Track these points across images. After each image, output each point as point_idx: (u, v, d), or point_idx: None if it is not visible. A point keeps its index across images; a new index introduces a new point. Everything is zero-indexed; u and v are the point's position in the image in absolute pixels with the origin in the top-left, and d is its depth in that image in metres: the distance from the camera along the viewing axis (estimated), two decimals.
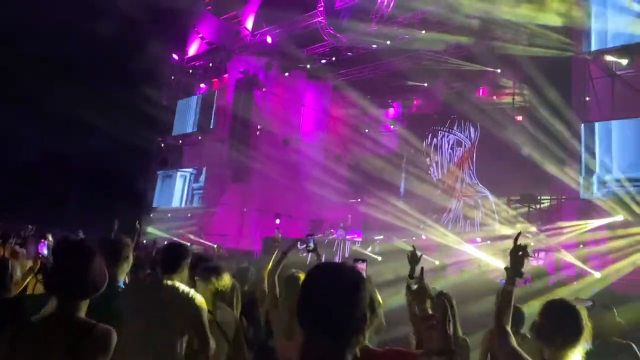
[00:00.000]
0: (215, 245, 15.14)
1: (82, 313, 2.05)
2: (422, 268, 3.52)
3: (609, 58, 10.92)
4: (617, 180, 10.16)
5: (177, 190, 20.07)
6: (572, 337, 2.27)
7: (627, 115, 10.72)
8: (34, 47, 18.68)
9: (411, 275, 4.22)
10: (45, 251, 4.07)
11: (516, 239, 2.53)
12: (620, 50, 10.76)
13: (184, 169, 20.35)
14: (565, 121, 11.38)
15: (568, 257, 10.36)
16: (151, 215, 19.78)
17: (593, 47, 10.93)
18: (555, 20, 11.07)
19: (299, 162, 18.81)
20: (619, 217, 10.46)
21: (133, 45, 18.40)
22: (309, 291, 1.49)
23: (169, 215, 19.33)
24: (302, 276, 3.78)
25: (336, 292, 1.45)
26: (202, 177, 18.96)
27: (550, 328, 2.32)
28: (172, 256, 3.25)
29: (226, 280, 3.42)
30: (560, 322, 2.32)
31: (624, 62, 11.01)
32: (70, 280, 2.01)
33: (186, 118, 20.07)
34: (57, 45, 18.49)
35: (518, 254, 2.50)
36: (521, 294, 9.36)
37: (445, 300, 2.78)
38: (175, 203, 19.84)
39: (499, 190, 14.14)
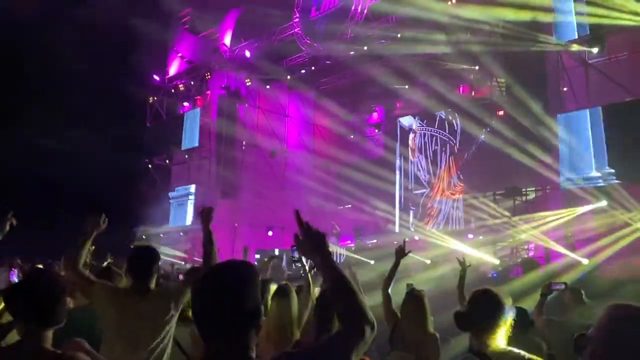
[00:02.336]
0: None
1: (49, 343, 2.02)
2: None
3: (578, 48, 11.13)
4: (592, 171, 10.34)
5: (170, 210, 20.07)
6: (494, 320, 2.32)
7: (603, 102, 10.93)
8: (16, 70, 18.70)
9: (395, 267, 4.30)
10: (15, 279, 4.10)
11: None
12: (589, 40, 10.98)
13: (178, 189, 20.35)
14: (543, 113, 11.56)
15: (556, 247, 10.50)
16: (143, 237, 19.73)
17: (563, 39, 11.16)
18: (525, 16, 11.27)
19: (287, 173, 18.91)
20: (602, 203, 10.63)
21: (113, 69, 18.51)
22: (194, 299, 1.52)
23: (161, 235, 19.30)
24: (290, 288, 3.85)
25: (215, 294, 1.47)
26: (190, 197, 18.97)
27: (473, 315, 2.40)
28: (143, 260, 3.26)
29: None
30: (478, 310, 2.40)
31: (595, 50, 11.23)
32: (41, 308, 2.00)
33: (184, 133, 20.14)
34: (37, 70, 18.61)
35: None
36: (515, 287, 9.49)
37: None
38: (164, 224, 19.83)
39: (485, 186, 14.28)
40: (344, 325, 1.53)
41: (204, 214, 3.44)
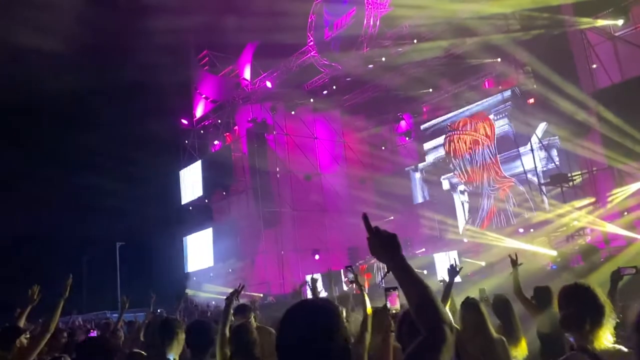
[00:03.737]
0: (260, 294, 15.21)
1: None
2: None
3: (603, 22, 10.80)
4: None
5: (206, 250, 20.29)
6: (597, 317, 2.22)
7: (636, 73, 10.52)
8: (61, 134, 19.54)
9: (449, 286, 4.21)
10: None
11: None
12: (612, 13, 10.65)
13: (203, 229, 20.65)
14: (577, 93, 11.20)
15: (613, 229, 10.06)
16: (194, 279, 20.01)
17: (585, 16, 10.85)
18: (540, 2, 11.05)
19: (324, 195, 18.90)
20: None
21: (144, 121, 19.15)
22: (281, 334, 1.48)
23: (211, 275, 19.50)
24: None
25: (305, 332, 1.44)
26: (233, 232, 19.09)
27: (574, 315, 2.28)
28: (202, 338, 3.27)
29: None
30: (581, 307, 2.27)
31: (620, 22, 10.88)
32: None
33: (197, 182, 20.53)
34: (68, 132, 19.41)
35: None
36: (575, 274, 9.12)
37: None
38: (209, 263, 20.04)
39: (527, 177, 13.91)
40: (425, 329, 1.49)
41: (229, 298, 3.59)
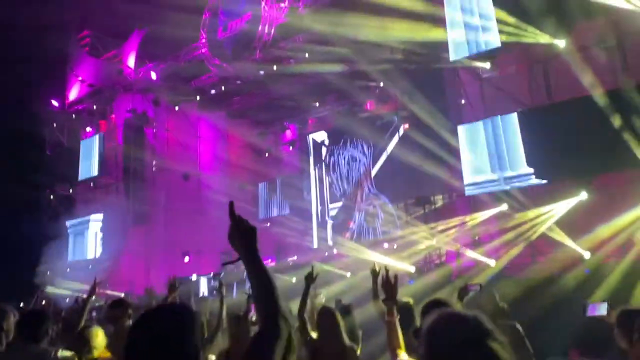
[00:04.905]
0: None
1: None
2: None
3: (472, 64, 11.97)
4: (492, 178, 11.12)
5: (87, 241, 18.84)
6: None
7: (497, 113, 11.81)
8: None
9: (305, 293, 4.38)
10: None
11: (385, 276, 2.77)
12: (481, 57, 11.85)
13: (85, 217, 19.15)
14: (444, 125, 12.26)
15: (464, 250, 11.12)
16: (47, 274, 18.38)
17: (458, 56, 11.94)
18: (421, 36, 11.93)
19: (201, 196, 18.47)
20: (504, 206, 11.43)
21: (7, 96, 17.22)
22: (130, 344, 1.49)
23: (67, 270, 18.08)
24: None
25: (155, 340, 1.46)
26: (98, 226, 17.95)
27: None
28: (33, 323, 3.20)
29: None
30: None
31: (487, 65, 12.14)
32: None
33: (81, 163, 18.98)
34: None
35: (391, 284, 2.74)
36: (424, 287, 9.89)
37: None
38: (88, 255, 18.60)
39: (397, 197, 14.84)
40: (262, 318, 1.56)
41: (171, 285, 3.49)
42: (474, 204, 12.11)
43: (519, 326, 4.61)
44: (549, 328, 6.43)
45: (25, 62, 17.28)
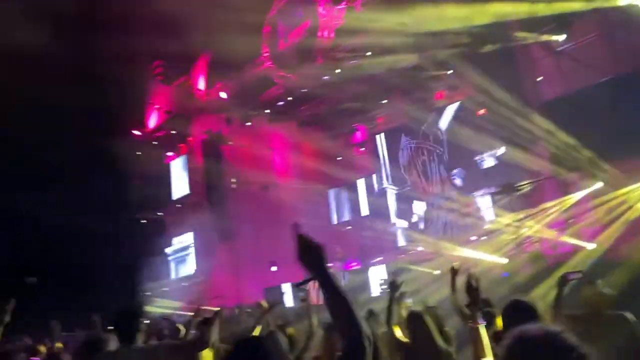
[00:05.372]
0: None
1: None
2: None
3: (546, 38, 11.28)
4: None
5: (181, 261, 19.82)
6: None
7: (577, 86, 11.03)
8: None
9: (390, 304, 4.27)
10: None
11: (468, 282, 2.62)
12: (554, 28, 11.14)
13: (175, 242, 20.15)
14: (522, 105, 11.62)
15: (560, 236, 10.45)
16: (148, 294, 19.47)
17: (530, 31, 11.30)
18: (489, 16, 11.39)
19: (281, 206, 18.80)
20: (599, 184, 10.62)
21: (92, 133, 18.51)
22: None
23: (166, 289, 19.04)
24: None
25: None
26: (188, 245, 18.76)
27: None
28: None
29: None
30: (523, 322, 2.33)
31: (562, 38, 11.39)
32: None
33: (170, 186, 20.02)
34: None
35: (473, 290, 2.59)
36: (524, 280, 9.38)
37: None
38: (181, 274, 19.58)
39: (480, 186, 14.27)
40: (347, 343, 1.53)
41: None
42: (564, 185, 11.36)
43: (630, 315, 4.17)
44: None
45: (107, 96, 18.49)
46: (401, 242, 16.76)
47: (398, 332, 4.09)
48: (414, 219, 17.05)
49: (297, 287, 4.01)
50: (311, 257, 1.70)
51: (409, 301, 5.54)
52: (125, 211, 20.95)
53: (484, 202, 13.61)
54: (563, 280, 3.95)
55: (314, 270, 1.66)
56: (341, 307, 1.57)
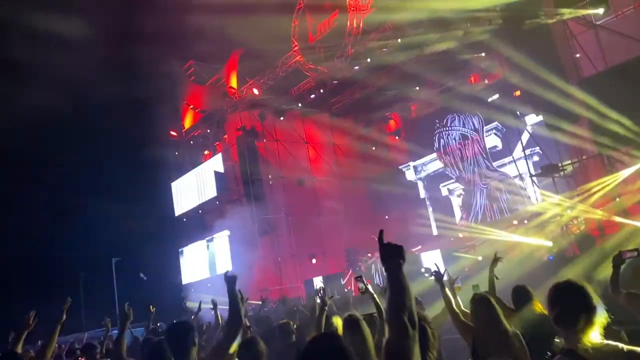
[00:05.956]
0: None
1: None
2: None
3: (584, 12, 10.90)
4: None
5: (203, 261, 20.17)
6: (590, 315, 2.24)
7: (619, 60, 10.63)
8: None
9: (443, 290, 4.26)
10: None
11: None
12: (592, 1, 10.76)
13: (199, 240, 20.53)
14: (562, 83, 11.26)
15: (607, 216, 10.12)
16: (192, 290, 19.90)
17: (566, 7, 10.95)
18: None
19: (317, 199, 18.89)
20: None
21: (132, 136, 19.06)
22: None
23: (209, 285, 19.38)
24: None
25: None
26: (226, 241, 19.00)
27: (568, 312, 2.28)
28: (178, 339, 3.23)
29: None
30: (575, 305, 2.28)
31: (600, 11, 10.99)
32: None
33: (197, 189, 20.37)
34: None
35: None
36: (578, 262, 9.14)
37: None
38: (205, 274, 19.93)
39: (519, 168, 13.98)
40: (389, 326, 1.75)
41: (229, 279, 3.52)
42: (609, 163, 10.99)
43: None
44: None
45: (144, 101, 18.99)
46: (436, 231, 16.60)
47: (460, 317, 4.09)
48: (454, 205, 16.85)
49: (357, 279, 4.06)
50: (393, 257, 1.89)
51: (458, 284, 5.51)
52: (165, 210, 21.49)
53: (527, 183, 13.30)
54: (619, 259, 3.85)
55: (392, 266, 1.87)
56: (400, 295, 1.79)
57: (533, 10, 11.53)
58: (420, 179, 18.30)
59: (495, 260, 4.83)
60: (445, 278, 4.62)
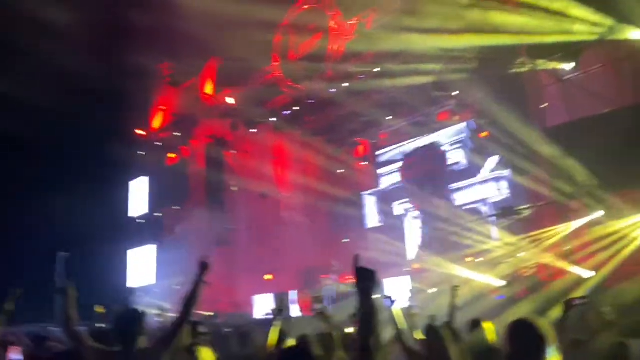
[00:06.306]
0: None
1: None
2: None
3: (554, 65, 11.44)
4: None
5: (152, 266, 19.72)
6: (542, 355, 2.32)
7: (581, 115, 11.18)
8: None
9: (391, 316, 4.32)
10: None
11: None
12: (563, 56, 11.31)
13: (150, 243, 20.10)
14: (526, 130, 11.73)
15: (558, 262, 10.49)
16: (139, 295, 19.38)
17: (538, 58, 11.46)
18: (499, 41, 11.54)
19: (280, 215, 18.84)
20: (600, 213, 10.68)
21: (96, 130, 18.56)
22: None
23: (156, 291, 18.94)
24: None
25: None
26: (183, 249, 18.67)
27: (521, 351, 2.36)
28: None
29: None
30: (529, 344, 2.36)
31: (570, 66, 11.55)
32: None
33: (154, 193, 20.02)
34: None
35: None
36: (518, 305, 9.41)
37: None
38: (152, 280, 19.49)
39: (480, 208, 14.34)
40: (360, 345, 1.94)
41: (203, 267, 3.64)
42: (564, 212, 11.43)
43: (630, 344, 4.20)
44: None
45: (112, 96, 18.58)
46: (397, 258, 16.77)
47: (411, 342, 4.14)
48: (413, 236, 17.09)
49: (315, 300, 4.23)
50: (365, 281, 2.08)
51: (416, 311, 5.58)
52: (122, 210, 20.97)
53: (484, 223, 13.65)
54: (568, 305, 4.02)
55: (364, 289, 2.05)
56: (369, 317, 1.99)
57: (508, 57, 12.01)
58: (379, 206, 18.46)
59: (455, 289, 4.92)
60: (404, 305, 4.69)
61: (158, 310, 16.53)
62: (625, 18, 9.78)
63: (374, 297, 2.03)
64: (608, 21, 9.95)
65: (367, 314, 1.98)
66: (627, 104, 11.01)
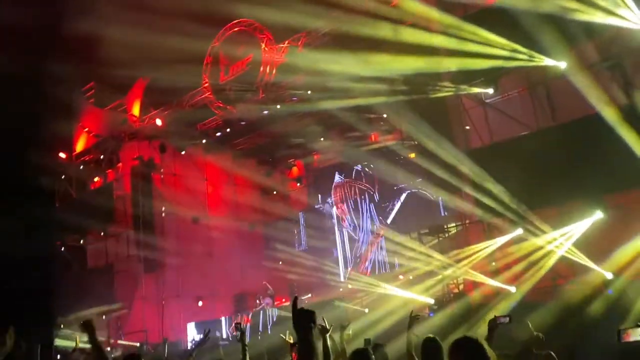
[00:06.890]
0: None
1: None
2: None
3: (476, 90, 12.03)
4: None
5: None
6: None
7: (502, 137, 11.78)
8: None
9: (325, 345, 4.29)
10: None
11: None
12: (484, 81, 11.93)
13: None
14: (451, 152, 12.19)
15: (482, 279, 10.88)
16: (61, 326, 18.12)
17: (461, 83, 12.01)
18: (424, 66, 11.99)
19: (211, 239, 18.36)
20: (519, 231, 11.23)
21: (15, 154, 17.40)
22: None
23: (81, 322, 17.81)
24: None
25: None
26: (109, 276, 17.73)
27: None
28: None
29: None
30: None
31: (490, 91, 12.19)
32: None
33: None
34: None
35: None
36: (446, 321, 9.62)
37: None
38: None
39: (409, 227, 14.68)
40: None
41: (86, 326, 3.25)
42: (488, 230, 11.93)
43: (554, 355, 4.46)
44: (582, 355, 6.20)
45: (31, 116, 17.51)
46: (330, 279, 16.80)
47: None
48: (346, 256, 17.21)
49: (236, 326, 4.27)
50: (303, 321, 2.23)
51: (349, 331, 5.53)
52: (44, 236, 19.65)
53: (413, 241, 13.98)
54: (493, 324, 4.16)
55: (303, 329, 2.20)
56: (308, 353, 2.19)
57: (433, 82, 12.51)
58: (312, 227, 18.52)
59: (413, 318, 4.88)
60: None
61: (77, 342, 15.54)
62: (539, 47, 10.46)
63: (312, 337, 2.18)
64: (524, 49, 10.60)
65: (307, 352, 2.16)
66: (543, 126, 11.75)
